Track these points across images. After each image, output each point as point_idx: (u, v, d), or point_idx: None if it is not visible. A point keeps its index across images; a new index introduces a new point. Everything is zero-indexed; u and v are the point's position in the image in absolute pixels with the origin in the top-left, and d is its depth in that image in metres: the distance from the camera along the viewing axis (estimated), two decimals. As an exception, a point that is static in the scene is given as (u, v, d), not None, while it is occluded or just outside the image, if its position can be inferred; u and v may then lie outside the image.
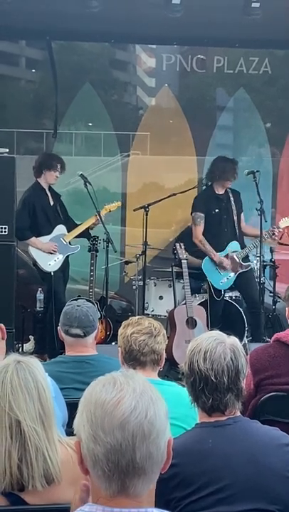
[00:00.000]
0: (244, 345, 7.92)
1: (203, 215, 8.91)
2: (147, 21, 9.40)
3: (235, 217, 8.99)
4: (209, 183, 9.10)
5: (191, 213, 9.09)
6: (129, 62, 12.06)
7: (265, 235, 8.92)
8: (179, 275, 8.82)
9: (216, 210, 8.93)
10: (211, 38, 10.06)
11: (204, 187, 9.39)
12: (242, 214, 9.10)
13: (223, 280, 8.87)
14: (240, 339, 8.65)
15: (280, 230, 9.06)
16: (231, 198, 8.99)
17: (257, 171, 8.73)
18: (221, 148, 11.03)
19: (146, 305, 9.22)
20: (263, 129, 11.41)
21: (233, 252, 8.90)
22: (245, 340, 8.81)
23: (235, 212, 8.97)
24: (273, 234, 8.99)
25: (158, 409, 1.87)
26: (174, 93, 11.53)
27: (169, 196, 9.55)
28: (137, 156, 11.39)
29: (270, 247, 9.29)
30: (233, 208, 8.97)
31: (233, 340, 3.03)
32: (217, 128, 11.41)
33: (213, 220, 8.92)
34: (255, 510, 2.76)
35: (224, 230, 8.96)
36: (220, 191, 9.01)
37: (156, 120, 11.44)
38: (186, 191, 9.76)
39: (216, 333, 3.08)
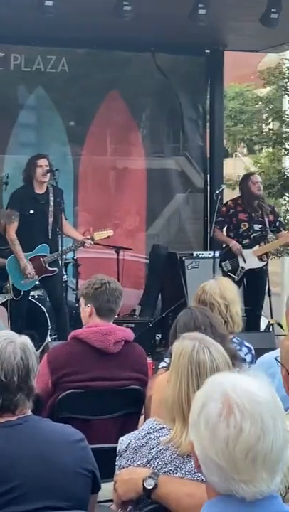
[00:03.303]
0: (47, 344, 8.02)
1: (17, 213, 8.65)
2: None
3: (51, 220, 8.68)
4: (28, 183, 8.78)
5: (6, 208, 8.90)
6: None
7: (78, 243, 8.86)
8: (-19, 276, 8.69)
9: (31, 212, 8.65)
10: (7, 35, 9.96)
11: (4, 185, 9.28)
12: (63, 214, 8.77)
13: (25, 281, 8.74)
14: (43, 338, 8.69)
15: (93, 243, 8.89)
16: (51, 198, 8.68)
17: (56, 169, 8.71)
18: (22, 147, 10.92)
19: None
20: (64, 127, 11.41)
21: (40, 255, 8.75)
22: (49, 338, 8.79)
23: (51, 213, 8.68)
24: (84, 244, 8.84)
25: None
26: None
27: None
28: None
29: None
30: (51, 209, 8.65)
31: (24, 339, 3.03)
32: (18, 126, 11.28)
33: (25, 220, 8.64)
34: (46, 508, 2.78)
35: (35, 232, 8.70)
36: (39, 190, 8.71)
37: None
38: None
39: (6, 332, 3.09)
